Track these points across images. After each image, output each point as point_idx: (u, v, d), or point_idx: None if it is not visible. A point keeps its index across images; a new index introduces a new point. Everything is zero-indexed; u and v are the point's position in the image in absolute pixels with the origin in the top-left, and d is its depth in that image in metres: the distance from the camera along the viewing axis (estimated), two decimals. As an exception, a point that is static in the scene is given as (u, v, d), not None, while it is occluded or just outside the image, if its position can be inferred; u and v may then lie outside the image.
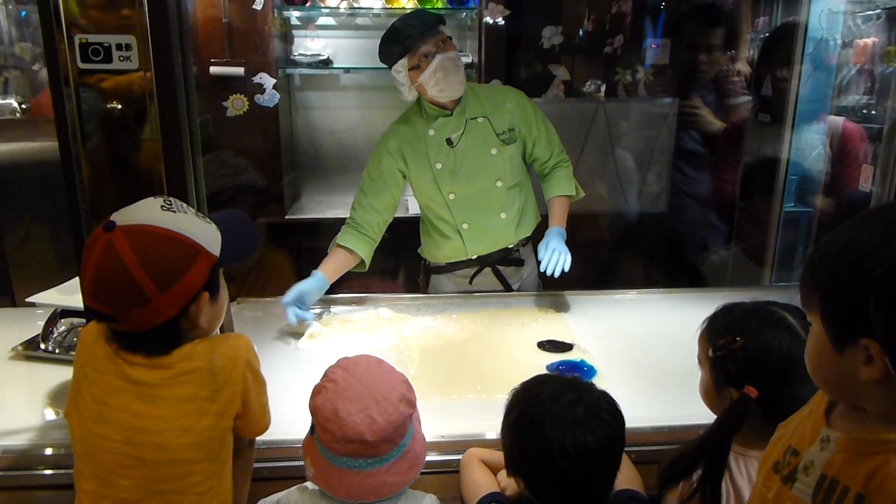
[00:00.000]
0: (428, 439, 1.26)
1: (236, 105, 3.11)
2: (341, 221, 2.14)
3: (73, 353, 1.74)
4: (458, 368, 1.76)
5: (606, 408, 1.10)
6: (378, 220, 2.11)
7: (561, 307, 2.14)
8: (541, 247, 2.04)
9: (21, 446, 1.44)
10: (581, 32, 3.31)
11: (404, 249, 2.36)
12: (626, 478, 1.23)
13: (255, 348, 1.23)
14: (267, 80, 3.05)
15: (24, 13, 3.05)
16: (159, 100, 1.32)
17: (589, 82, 3.33)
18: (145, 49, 1.29)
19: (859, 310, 0.74)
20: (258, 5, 3.02)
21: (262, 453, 1.38)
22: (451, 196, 2.13)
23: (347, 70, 3.53)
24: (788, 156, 2.83)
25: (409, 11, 1.92)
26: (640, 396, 1.60)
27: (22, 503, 1.42)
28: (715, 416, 1.17)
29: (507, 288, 2.27)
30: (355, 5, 3.33)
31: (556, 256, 1.99)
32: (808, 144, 2.80)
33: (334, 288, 2.09)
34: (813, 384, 0.87)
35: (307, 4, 3.30)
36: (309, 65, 3.41)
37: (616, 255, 3.51)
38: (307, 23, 3.49)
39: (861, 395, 0.79)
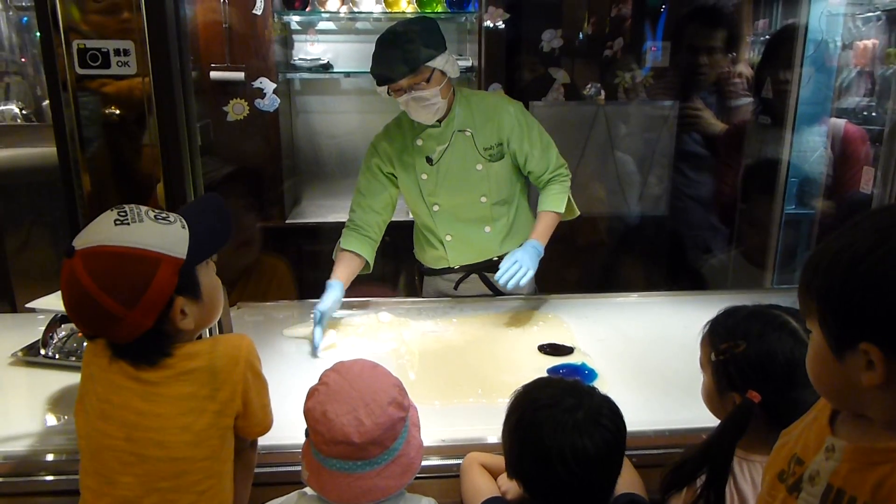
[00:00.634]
0: (428, 443, 1.26)
1: (236, 110, 3.11)
2: (342, 226, 2.14)
3: (74, 358, 1.75)
4: (458, 372, 1.75)
5: (607, 413, 1.10)
6: (378, 221, 2.11)
7: (561, 310, 2.13)
8: (508, 256, 1.98)
9: (21, 452, 1.43)
10: (581, 35, 3.31)
11: (405, 253, 2.36)
12: (627, 481, 1.23)
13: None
14: (267, 85, 3.06)
15: (24, 19, 3.06)
16: (158, 105, 1.32)
17: (589, 85, 3.32)
18: (144, 54, 1.29)
19: (857, 314, 0.73)
20: (258, 10, 3.03)
21: (263, 458, 1.37)
22: (436, 207, 2.12)
23: (348, 74, 3.54)
24: (789, 158, 2.82)
25: (411, 17, 1.88)
26: (642, 400, 1.60)
27: (22, 509, 1.41)
28: (717, 420, 1.16)
29: (496, 292, 2.25)
30: (355, 10, 3.33)
31: (514, 268, 1.92)
32: (809, 146, 2.79)
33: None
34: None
35: (307, 9, 3.30)
36: (309, 69, 3.42)
37: (617, 257, 3.50)
38: (307, 27, 3.49)
39: (864, 402, 0.78)
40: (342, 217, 2.18)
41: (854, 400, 0.79)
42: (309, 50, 3.52)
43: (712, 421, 1.17)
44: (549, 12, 3.28)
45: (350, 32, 3.54)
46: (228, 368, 1.16)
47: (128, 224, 1.08)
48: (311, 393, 1.17)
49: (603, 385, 1.64)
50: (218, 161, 3.10)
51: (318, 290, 2.03)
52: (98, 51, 1.29)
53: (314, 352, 1.86)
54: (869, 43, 2.66)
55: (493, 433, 1.40)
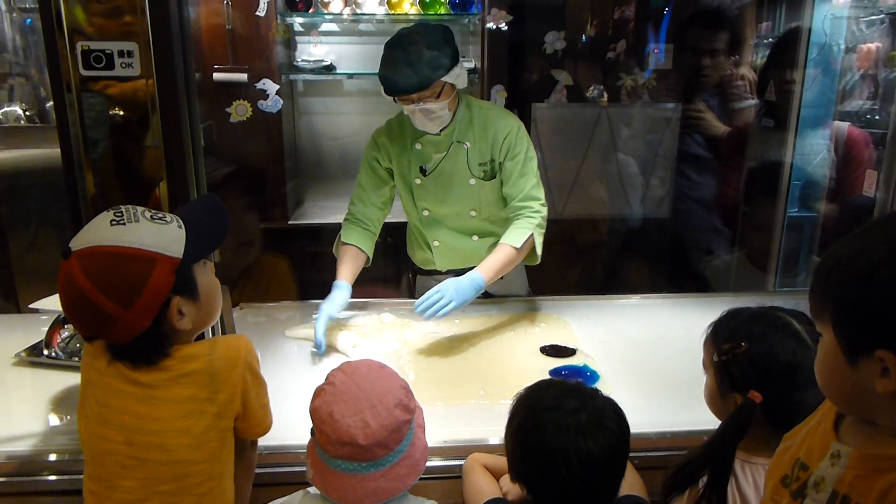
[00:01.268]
0: (431, 444, 1.26)
1: (239, 111, 3.12)
2: (344, 227, 2.14)
3: (77, 359, 1.76)
4: (460, 373, 1.75)
5: (611, 415, 1.10)
6: (378, 216, 2.11)
7: (564, 312, 2.13)
8: (438, 285, 1.88)
9: (25, 452, 1.44)
10: (584, 38, 3.31)
11: (405, 253, 2.37)
12: (630, 483, 1.22)
13: (258, 353, 1.23)
14: (270, 86, 3.07)
15: (28, 21, 3.07)
16: (161, 106, 1.32)
17: (592, 87, 3.32)
18: (147, 56, 1.29)
19: (874, 321, 0.73)
20: (261, 12, 3.03)
21: (264, 458, 1.38)
22: (426, 213, 2.12)
23: (350, 76, 3.54)
24: (792, 160, 2.82)
25: (426, 24, 1.85)
26: (644, 401, 1.60)
27: (25, 509, 1.42)
28: (719, 422, 1.16)
29: (485, 294, 2.21)
30: (358, 11, 3.34)
31: (435, 297, 1.81)
32: (812, 149, 2.79)
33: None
34: (818, 390, 0.86)
35: (310, 11, 3.31)
36: (312, 71, 3.42)
37: (619, 259, 3.50)
38: (310, 29, 3.50)
39: (874, 408, 0.78)
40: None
41: (864, 405, 0.79)
42: (312, 51, 3.53)
43: (714, 423, 1.17)
44: (552, 14, 3.28)
45: (353, 34, 3.54)
46: (227, 370, 1.16)
47: (124, 224, 1.08)
48: (318, 392, 1.17)
49: (605, 387, 1.64)
50: (221, 162, 3.10)
51: (320, 291, 2.03)
52: (102, 52, 1.29)
53: (318, 350, 1.86)
54: (872, 46, 2.66)
55: (495, 434, 1.41)
